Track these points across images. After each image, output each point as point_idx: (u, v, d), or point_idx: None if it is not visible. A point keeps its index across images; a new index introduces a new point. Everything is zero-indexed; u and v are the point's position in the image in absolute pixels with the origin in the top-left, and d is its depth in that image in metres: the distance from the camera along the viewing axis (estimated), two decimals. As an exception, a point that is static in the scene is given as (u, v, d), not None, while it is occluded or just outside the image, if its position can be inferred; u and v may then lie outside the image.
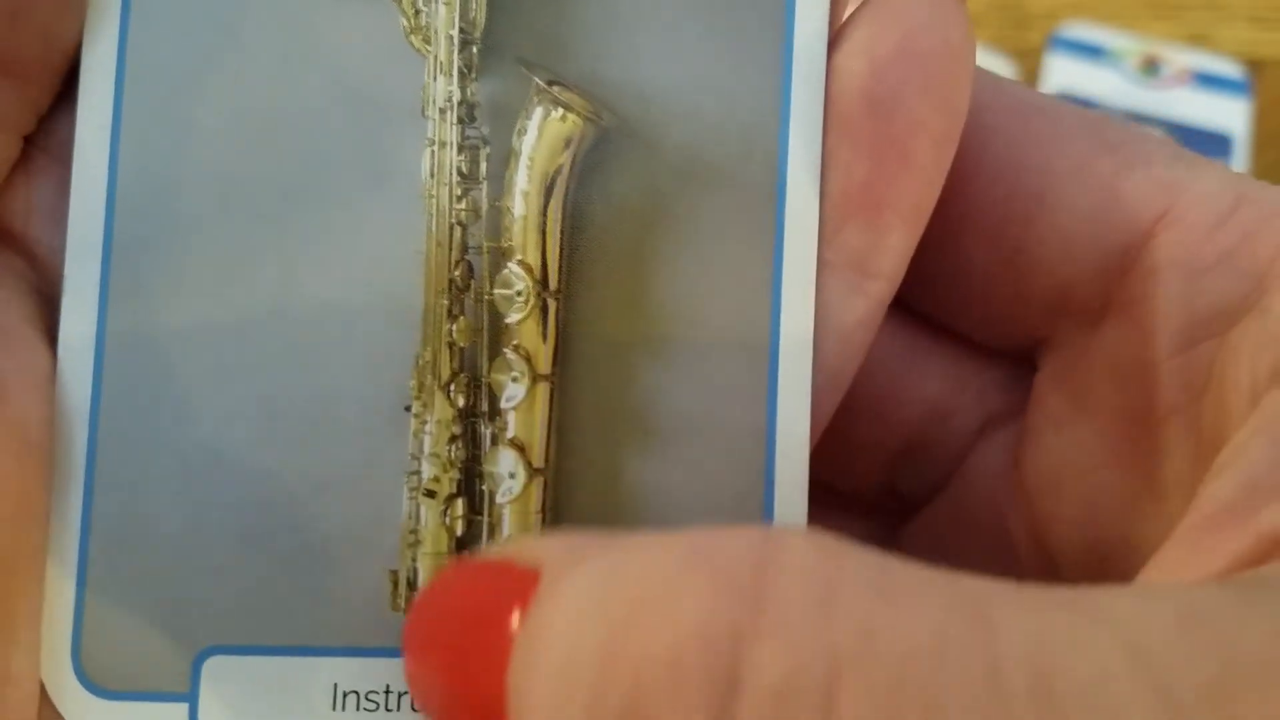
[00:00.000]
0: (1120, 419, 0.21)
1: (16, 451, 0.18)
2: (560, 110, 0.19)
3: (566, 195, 0.19)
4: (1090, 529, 0.21)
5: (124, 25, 0.19)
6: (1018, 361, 0.23)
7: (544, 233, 0.19)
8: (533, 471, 0.19)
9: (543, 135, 0.19)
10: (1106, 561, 0.21)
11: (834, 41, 0.19)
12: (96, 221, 0.19)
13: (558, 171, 0.19)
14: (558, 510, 0.19)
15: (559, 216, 0.19)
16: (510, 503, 0.19)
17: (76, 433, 0.19)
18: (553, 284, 0.19)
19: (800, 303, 0.19)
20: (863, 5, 0.20)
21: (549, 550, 0.16)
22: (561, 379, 0.20)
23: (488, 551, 0.18)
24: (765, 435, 0.19)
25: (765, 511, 0.19)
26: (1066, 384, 0.21)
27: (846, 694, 0.13)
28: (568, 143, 0.19)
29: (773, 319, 0.19)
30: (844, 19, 0.20)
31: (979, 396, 0.23)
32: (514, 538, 0.19)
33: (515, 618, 0.15)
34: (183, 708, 0.19)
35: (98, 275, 0.19)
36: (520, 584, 0.15)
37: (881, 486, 0.24)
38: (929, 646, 0.13)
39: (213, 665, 0.19)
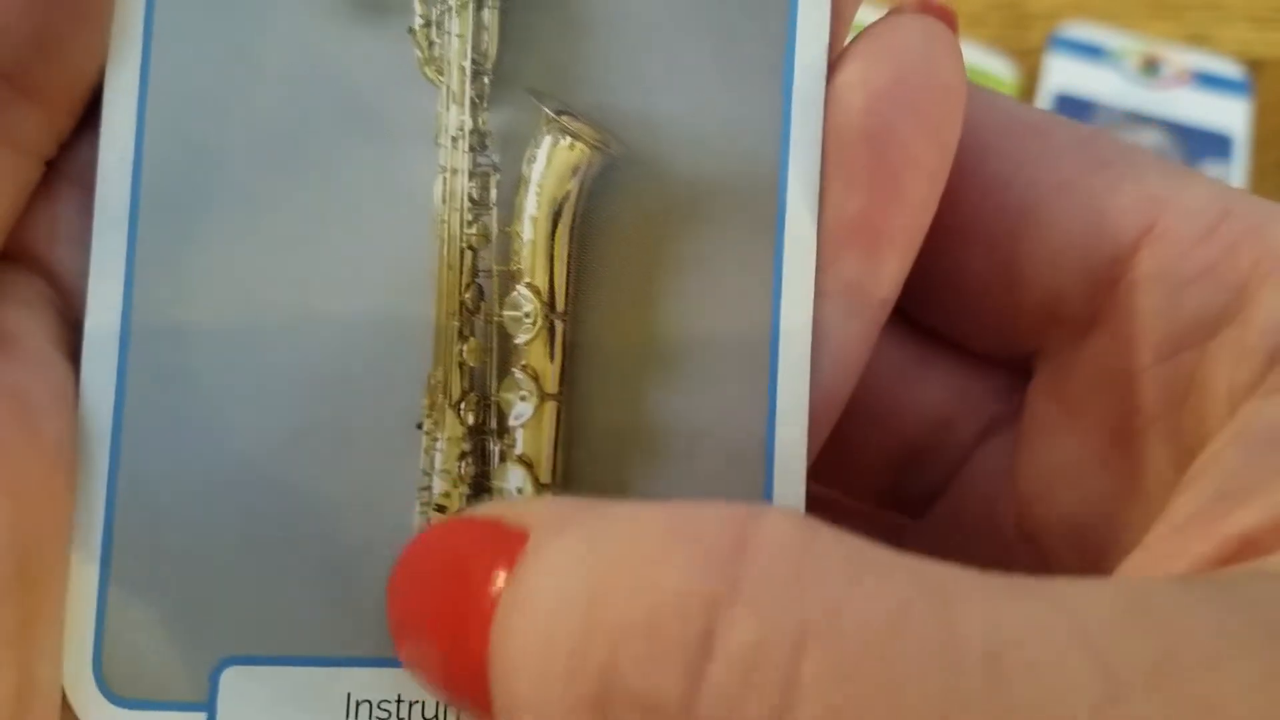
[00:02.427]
0: (1106, 426, 0.21)
1: (42, 468, 0.19)
2: (568, 139, 0.20)
3: (574, 221, 0.20)
4: (1079, 532, 0.21)
5: (146, 53, 0.20)
6: (1015, 370, 0.23)
7: (552, 257, 0.20)
8: (540, 487, 0.20)
9: (551, 163, 0.20)
10: (1095, 564, 0.21)
11: (830, 72, 0.20)
12: (119, 244, 0.19)
13: (566, 198, 0.20)
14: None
15: (566, 241, 0.20)
16: (518, 517, 0.20)
17: (99, 449, 0.19)
18: (560, 306, 0.20)
19: (798, 326, 0.20)
20: (858, 37, 0.20)
21: (537, 513, 0.16)
22: (568, 398, 0.20)
23: (476, 509, 0.18)
24: (764, 451, 0.20)
25: None
26: (1057, 392, 0.22)
27: (810, 663, 0.14)
28: (575, 170, 0.20)
29: (772, 341, 0.20)
30: (841, 49, 0.20)
31: (978, 404, 0.24)
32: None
33: (500, 577, 0.16)
34: (201, 716, 0.19)
35: (120, 296, 0.19)
36: (507, 544, 0.16)
37: (884, 492, 0.25)
38: (890, 623, 0.14)
39: (231, 675, 0.19)
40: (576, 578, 0.15)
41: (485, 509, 0.17)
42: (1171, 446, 0.20)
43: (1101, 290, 0.21)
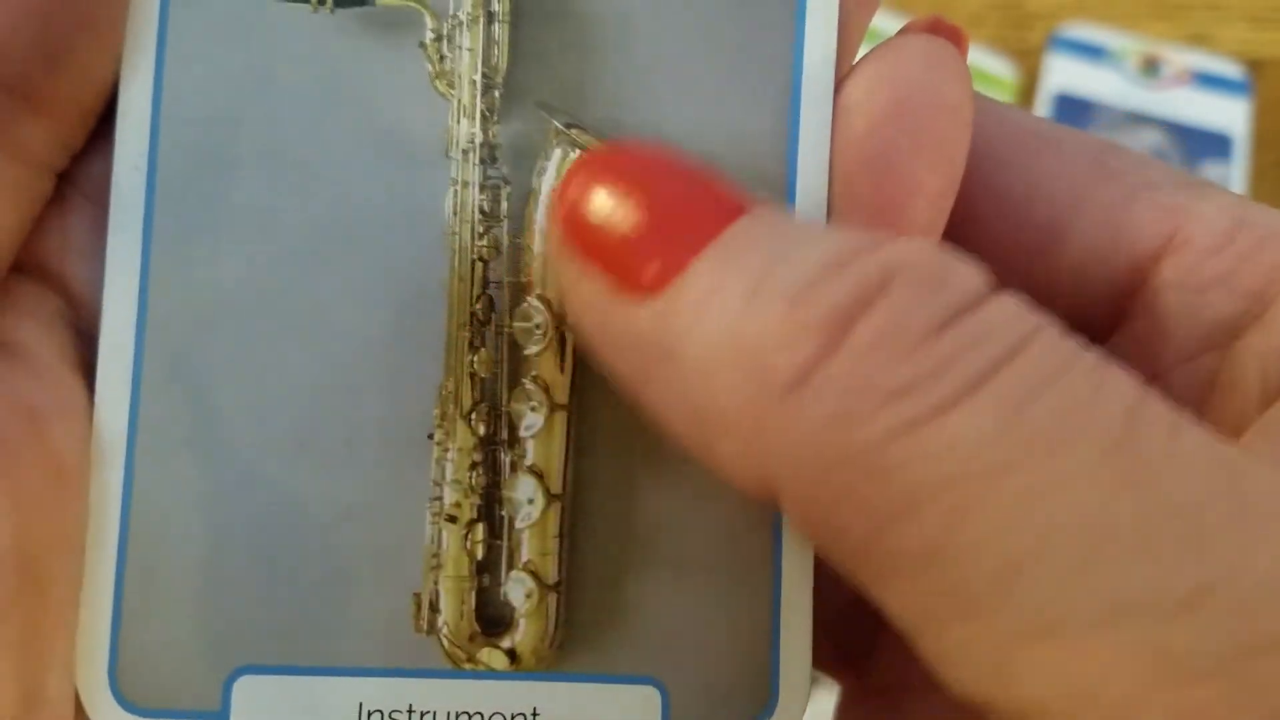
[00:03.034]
0: None
1: (54, 481, 0.19)
2: (578, 152, 0.20)
3: (584, 233, 0.20)
4: None
5: (159, 65, 0.20)
6: None
7: (562, 269, 0.20)
8: (551, 497, 0.20)
9: (561, 175, 0.20)
10: None
11: (837, 90, 0.20)
12: (133, 257, 0.20)
13: (576, 210, 0.20)
14: (575, 534, 0.20)
15: (577, 253, 0.20)
16: (529, 527, 0.20)
17: (113, 460, 0.19)
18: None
19: None
20: (863, 59, 0.20)
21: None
22: (578, 408, 0.20)
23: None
24: None
25: (774, 532, 0.20)
26: None
27: (1040, 341, 0.16)
28: (585, 183, 0.20)
29: None
30: (849, 67, 0.20)
31: None
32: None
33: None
34: None
35: (134, 309, 0.20)
36: (727, 213, 0.17)
37: None
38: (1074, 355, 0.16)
39: (243, 685, 0.19)
40: (842, 232, 0.17)
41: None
42: None
43: (1124, 299, 0.21)
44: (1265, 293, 0.20)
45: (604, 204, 0.18)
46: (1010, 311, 0.16)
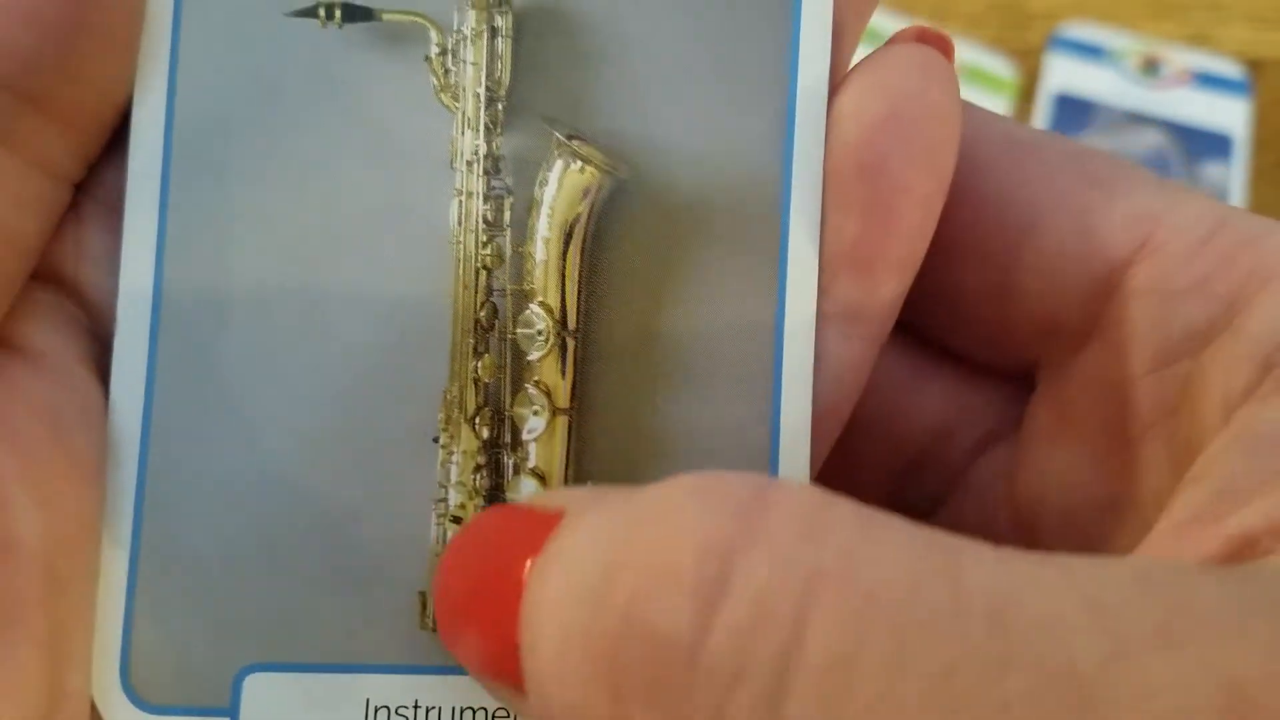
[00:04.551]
0: (1102, 434, 0.21)
1: (72, 480, 0.19)
2: (579, 163, 0.20)
3: (585, 242, 0.20)
4: (1077, 538, 0.22)
5: (172, 79, 0.20)
6: (1014, 381, 0.23)
7: (563, 276, 0.20)
8: (552, 499, 0.20)
9: (563, 186, 0.20)
10: None
11: (831, 99, 0.20)
12: (146, 265, 0.20)
13: (576, 220, 0.20)
14: (576, 535, 0.21)
15: (577, 261, 0.20)
16: (531, 528, 0.20)
17: (127, 461, 0.20)
18: (571, 324, 0.20)
19: (800, 345, 0.20)
20: (856, 67, 0.20)
21: (573, 496, 0.17)
22: (579, 412, 0.20)
23: (515, 500, 0.20)
24: (769, 464, 0.20)
25: None
26: (1055, 402, 0.22)
27: (820, 608, 0.14)
28: (586, 193, 0.20)
29: (775, 358, 0.20)
30: (842, 76, 0.20)
31: (978, 415, 0.24)
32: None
33: (533, 557, 0.17)
34: None
35: (148, 315, 0.20)
36: (543, 524, 0.17)
37: (885, 503, 0.25)
38: (901, 578, 0.15)
39: (253, 681, 0.20)
40: (604, 535, 0.16)
41: (523, 499, 0.18)
42: (1168, 453, 0.20)
43: (1097, 303, 0.21)
44: (1236, 300, 0.20)
45: (454, 627, 0.18)
46: (773, 563, 0.15)
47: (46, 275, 0.20)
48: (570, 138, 0.20)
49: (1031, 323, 0.22)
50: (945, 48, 0.20)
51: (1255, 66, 0.64)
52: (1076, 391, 0.22)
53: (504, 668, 0.17)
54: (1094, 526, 0.22)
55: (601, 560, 0.16)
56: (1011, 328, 0.22)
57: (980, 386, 0.24)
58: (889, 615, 0.14)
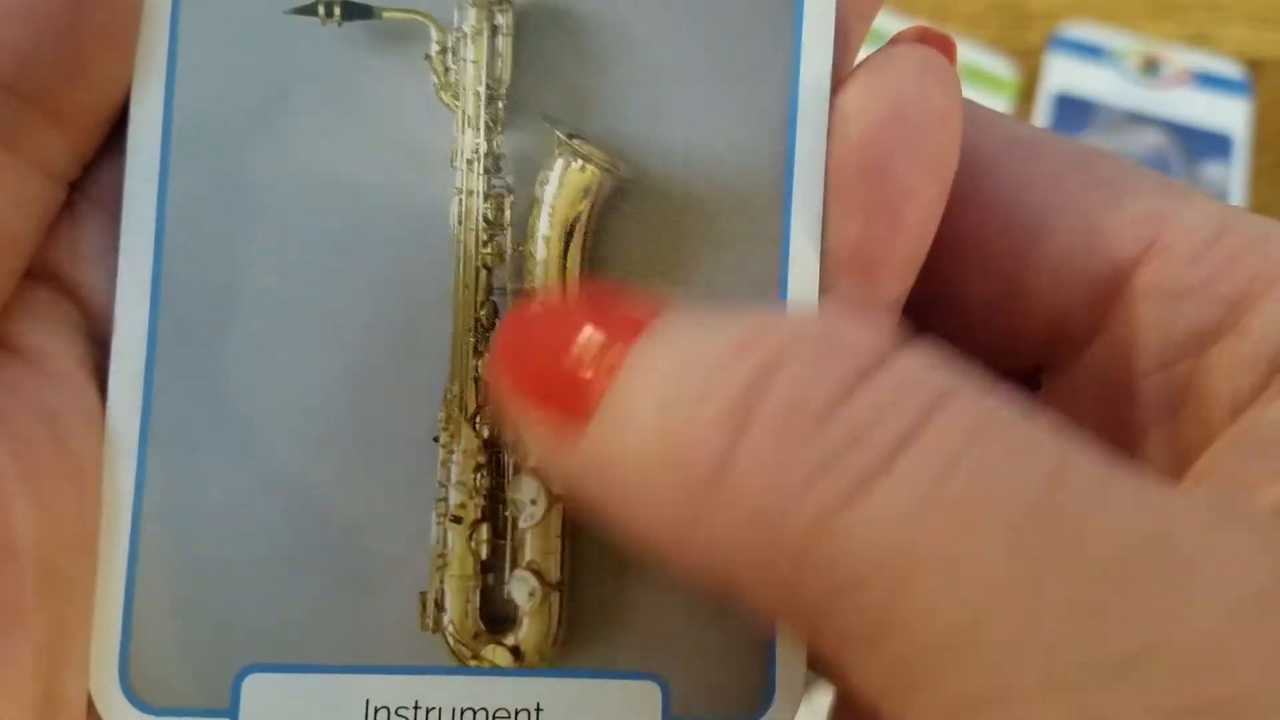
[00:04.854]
0: (1105, 433, 0.21)
1: (70, 483, 0.19)
2: (580, 162, 0.20)
3: (585, 241, 0.20)
4: None
5: (170, 78, 0.20)
6: (1021, 383, 0.23)
7: (564, 275, 0.20)
8: (553, 498, 0.20)
9: (563, 185, 0.20)
10: None
11: (833, 99, 0.20)
12: (144, 266, 0.20)
13: (577, 219, 0.20)
14: (577, 534, 0.20)
15: (578, 260, 0.20)
16: (532, 528, 0.20)
17: (125, 462, 0.20)
18: (572, 323, 0.20)
19: None
20: (858, 67, 0.20)
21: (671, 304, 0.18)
22: (580, 411, 0.21)
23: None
24: None
25: None
26: (1058, 401, 0.22)
27: (948, 413, 0.16)
28: (586, 192, 0.20)
29: None
30: (844, 76, 0.20)
31: None
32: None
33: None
34: None
35: (146, 315, 0.20)
36: (647, 310, 0.18)
37: None
38: (1020, 419, 0.16)
39: (252, 683, 0.20)
40: (737, 320, 0.17)
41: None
42: (1170, 452, 0.20)
43: (1103, 304, 0.21)
44: (1241, 300, 0.20)
45: (529, 350, 0.18)
46: (916, 372, 0.16)
47: (43, 275, 0.20)
48: (571, 136, 0.20)
49: (1037, 324, 0.22)
50: (947, 48, 0.20)
51: (1255, 66, 0.64)
52: (1080, 390, 0.22)
53: (577, 401, 0.17)
54: None
55: (738, 332, 0.17)
56: (1017, 329, 0.22)
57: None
58: (1010, 420, 0.16)
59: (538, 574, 0.20)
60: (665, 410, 0.16)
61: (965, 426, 0.16)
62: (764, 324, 0.17)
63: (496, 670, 0.20)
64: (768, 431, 0.16)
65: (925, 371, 0.16)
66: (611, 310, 0.18)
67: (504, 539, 0.20)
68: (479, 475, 0.20)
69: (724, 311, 0.17)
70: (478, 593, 0.20)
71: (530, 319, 0.19)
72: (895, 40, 0.20)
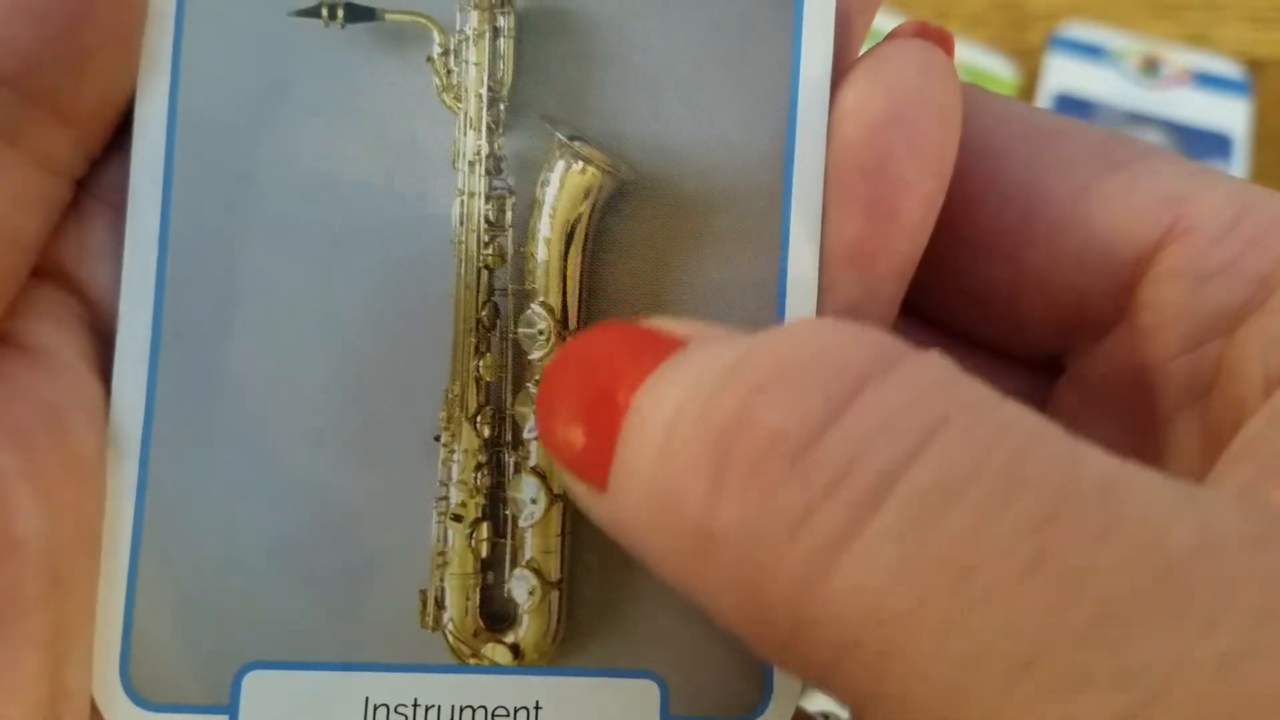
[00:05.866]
0: (1131, 417, 0.21)
1: (76, 480, 0.19)
2: (581, 163, 0.20)
3: (586, 242, 0.20)
4: None
5: (175, 78, 0.20)
6: (1042, 369, 0.23)
7: (564, 276, 0.20)
8: (553, 497, 0.20)
9: (564, 186, 0.20)
10: None
11: (832, 97, 0.20)
12: (149, 264, 0.20)
13: (578, 220, 0.20)
14: (577, 533, 0.21)
15: (579, 261, 0.20)
16: (532, 526, 0.20)
17: (128, 459, 0.20)
18: (572, 323, 0.20)
19: None
20: (857, 63, 0.20)
21: (698, 326, 0.18)
22: (580, 411, 0.21)
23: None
24: None
25: None
26: (1081, 387, 0.22)
27: (940, 442, 0.15)
28: (587, 193, 0.20)
29: None
30: (844, 72, 0.20)
31: None
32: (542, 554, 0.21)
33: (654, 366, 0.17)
34: (223, 719, 0.20)
35: (150, 312, 0.20)
36: (667, 345, 0.17)
37: None
38: (1023, 441, 0.15)
39: (253, 680, 0.20)
40: (729, 348, 0.16)
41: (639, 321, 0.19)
42: (1199, 433, 0.20)
43: (1126, 287, 0.21)
44: (1269, 279, 0.20)
45: (552, 415, 0.18)
46: (906, 394, 0.15)
47: (49, 272, 0.20)
48: (572, 138, 0.20)
49: (1060, 310, 0.22)
50: (945, 43, 0.20)
51: (1255, 66, 0.64)
52: (1103, 375, 0.22)
53: (596, 460, 0.17)
54: None
55: (724, 364, 0.16)
56: (1040, 316, 0.22)
57: (1006, 375, 0.24)
58: (1003, 462, 0.15)
59: (538, 572, 0.20)
60: (659, 462, 0.16)
61: (952, 466, 0.15)
62: (748, 353, 0.16)
63: (496, 668, 0.20)
64: (743, 477, 0.15)
65: (914, 398, 0.15)
66: (615, 359, 0.18)
67: (504, 537, 0.21)
68: (479, 474, 0.21)
69: (722, 338, 0.17)
70: (478, 591, 0.20)
71: (551, 381, 0.19)
72: (893, 35, 0.20)
